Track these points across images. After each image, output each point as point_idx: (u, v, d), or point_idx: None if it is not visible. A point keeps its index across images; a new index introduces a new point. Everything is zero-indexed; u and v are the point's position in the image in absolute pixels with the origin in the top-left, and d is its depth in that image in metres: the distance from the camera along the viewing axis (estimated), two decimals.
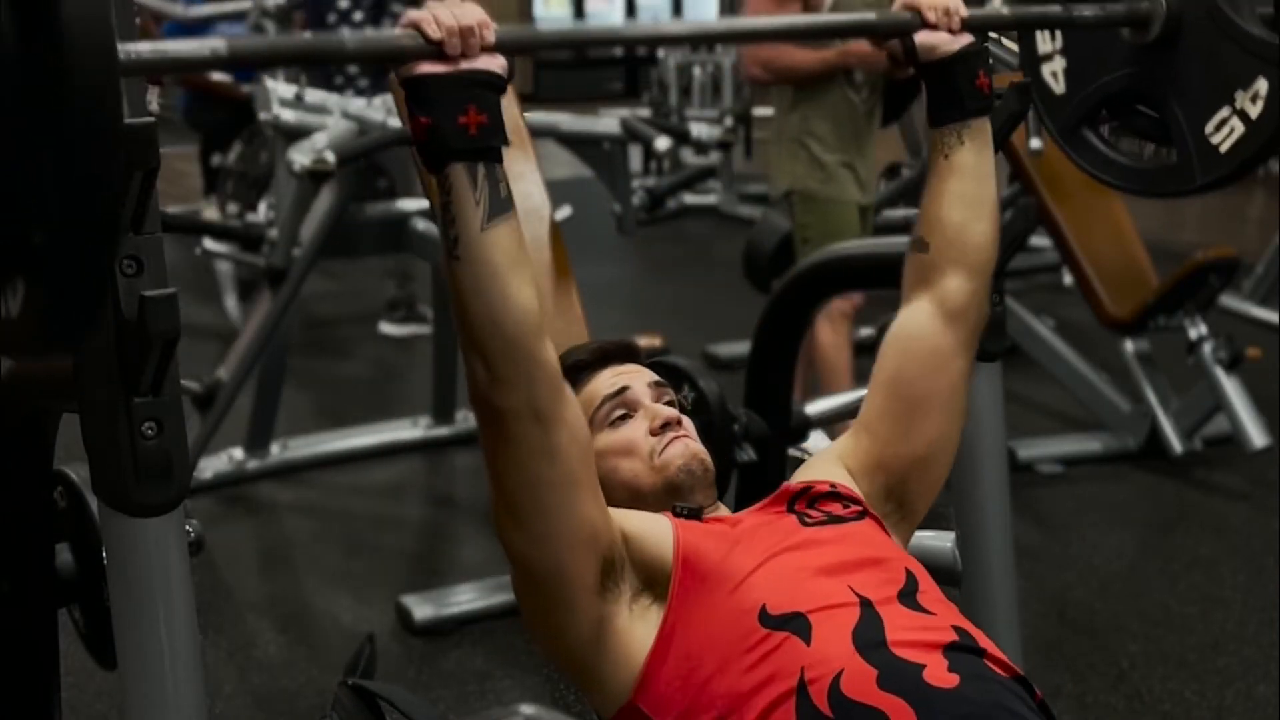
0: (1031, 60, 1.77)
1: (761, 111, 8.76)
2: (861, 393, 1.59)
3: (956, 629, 1.38)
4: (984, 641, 1.39)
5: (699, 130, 6.27)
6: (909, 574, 1.43)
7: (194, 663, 1.43)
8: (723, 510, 1.58)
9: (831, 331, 3.71)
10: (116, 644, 1.33)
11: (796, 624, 1.33)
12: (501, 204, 1.25)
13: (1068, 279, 5.25)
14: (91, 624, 1.63)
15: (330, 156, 3.35)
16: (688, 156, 7.92)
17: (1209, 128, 1.62)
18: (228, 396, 3.71)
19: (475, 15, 1.24)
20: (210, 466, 3.90)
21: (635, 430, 1.54)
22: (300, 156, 3.56)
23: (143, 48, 1.11)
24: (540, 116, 4.58)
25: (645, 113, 7.66)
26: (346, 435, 4.25)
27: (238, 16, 7.12)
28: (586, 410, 1.54)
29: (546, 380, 1.29)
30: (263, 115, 4.42)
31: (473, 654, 3.00)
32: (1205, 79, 1.62)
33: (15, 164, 0.95)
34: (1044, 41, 1.76)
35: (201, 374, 3.68)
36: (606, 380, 1.58)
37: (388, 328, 5.52)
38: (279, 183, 4.75)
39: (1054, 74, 1.77)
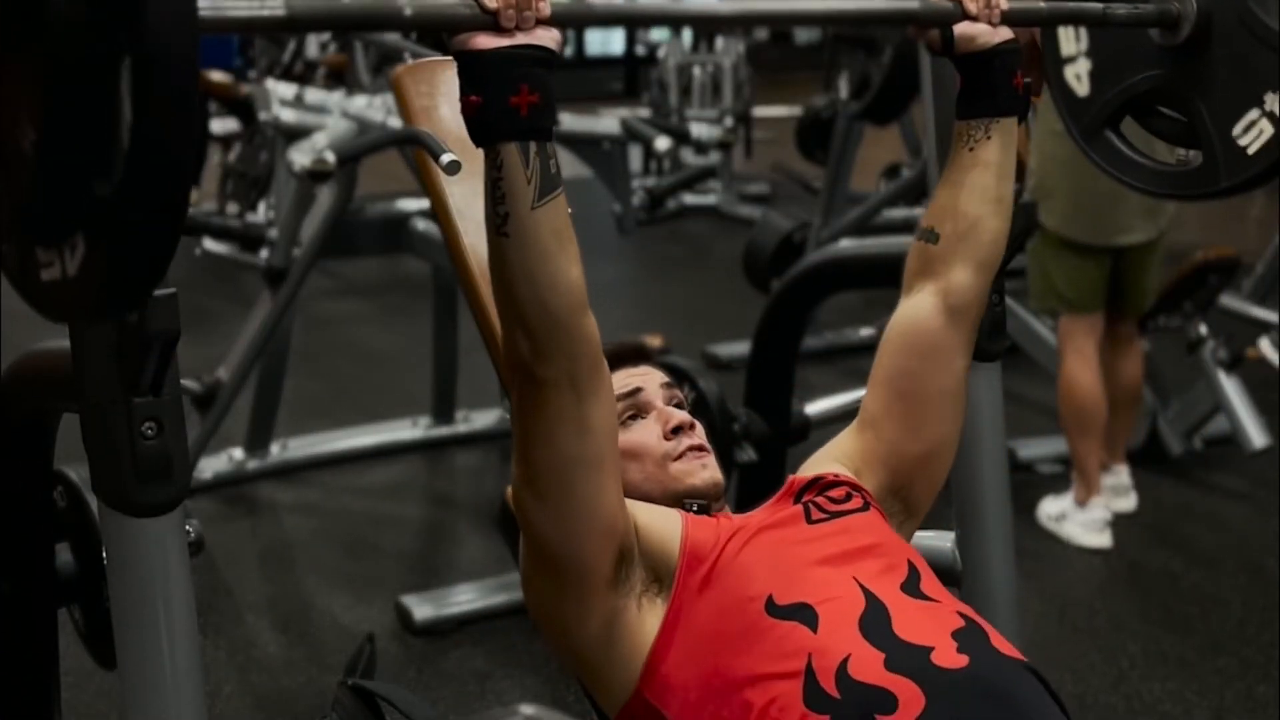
0: (1055, 62, 1.76)
1: (761, 112, 8.76)
2: (864, 392, 1.58)
3: (962, 615, 1.39)
4: (989, 628, 1.40)
5: (699, 130, 6.28)
6: (911, 565, 1.44)
7: (194, 663, 1.43)
8: (728, 513, 1.58)
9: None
10: (116, 644, 1.33)
11: (804, 614, 1.34)
12: (552, 180, 1.23)
13: None
14: (91, 624, 1.63)
15: (330, 156, 3.35)
16: (688, 156, 7.91)
17: (1236, 129, 1.61)
18: (228, 396, 3.71)
19: None
20: (210, 466, 3.90)
21: (648, 433, 1.55)
22: (300, 156, 3.56)
23: (207, 5, 1.02)
24: None
25: (645, 113, 7.66)
26: (346, 435, 4.25)
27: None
28: None
29: (588, 355, 1.29)
30: (263, 115, 4.42)
31: (473, 654, 3.00)
32: (1234, 81, 1.61)
33: (75, 107, 0.89)
34: (1068, 43, 1.75)
35: (201, 374, 3.68)
36: (619, 380, 1.58)
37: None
38: (279, 183, 4.75)
39: (1077, 76, 1.75)
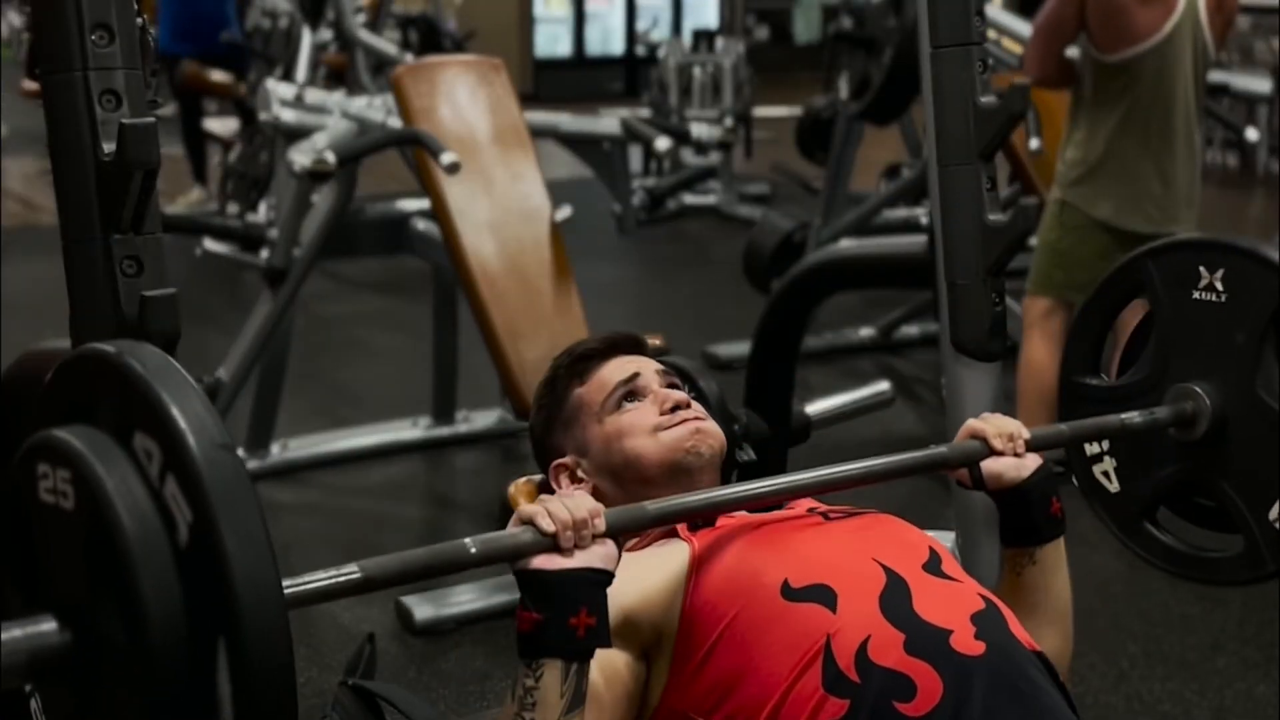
0: (1082, 463, 1.77)
1: (761, 112, 8.77)
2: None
3: (983, 597, 1.39)
4: (1007, 613, 1.39)
5: (699, 130, 6.28)
6: (932, 549, 1.44)
7: None
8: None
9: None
10: None
11: (821, 594, 1.33)
12: (581, 697, 1.23)
13: None
14: None
15: (330, 156, 3.35)
16: (688, 156, 7.92)
17: (1273, 514, 1.61)
18: (228, 396, 3.71)
19: (587, 506, 1.23)
20: None
21: (644, 414, 1.55)
22: (300, 156, 3.56)
23: (290, 583, 1.08)
24: (540, 116, 4.58)
25: (645, 113, 7.67)
26: (346, 435, 4.25)
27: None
28: (598, 396, 1.56)
29: None
30: (263, 115, 4.42)
31: (473, 654, 3.00)
32: (1260, 467, 1.62)
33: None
34: (1091, 445, 1.77)
35: (202, 374, 3.68)
36: (616, 367, 1.59)
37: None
38: (279, 183, 4.75)
39: (1105, 473, 1.77)
